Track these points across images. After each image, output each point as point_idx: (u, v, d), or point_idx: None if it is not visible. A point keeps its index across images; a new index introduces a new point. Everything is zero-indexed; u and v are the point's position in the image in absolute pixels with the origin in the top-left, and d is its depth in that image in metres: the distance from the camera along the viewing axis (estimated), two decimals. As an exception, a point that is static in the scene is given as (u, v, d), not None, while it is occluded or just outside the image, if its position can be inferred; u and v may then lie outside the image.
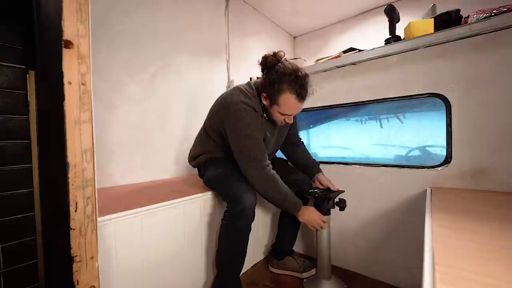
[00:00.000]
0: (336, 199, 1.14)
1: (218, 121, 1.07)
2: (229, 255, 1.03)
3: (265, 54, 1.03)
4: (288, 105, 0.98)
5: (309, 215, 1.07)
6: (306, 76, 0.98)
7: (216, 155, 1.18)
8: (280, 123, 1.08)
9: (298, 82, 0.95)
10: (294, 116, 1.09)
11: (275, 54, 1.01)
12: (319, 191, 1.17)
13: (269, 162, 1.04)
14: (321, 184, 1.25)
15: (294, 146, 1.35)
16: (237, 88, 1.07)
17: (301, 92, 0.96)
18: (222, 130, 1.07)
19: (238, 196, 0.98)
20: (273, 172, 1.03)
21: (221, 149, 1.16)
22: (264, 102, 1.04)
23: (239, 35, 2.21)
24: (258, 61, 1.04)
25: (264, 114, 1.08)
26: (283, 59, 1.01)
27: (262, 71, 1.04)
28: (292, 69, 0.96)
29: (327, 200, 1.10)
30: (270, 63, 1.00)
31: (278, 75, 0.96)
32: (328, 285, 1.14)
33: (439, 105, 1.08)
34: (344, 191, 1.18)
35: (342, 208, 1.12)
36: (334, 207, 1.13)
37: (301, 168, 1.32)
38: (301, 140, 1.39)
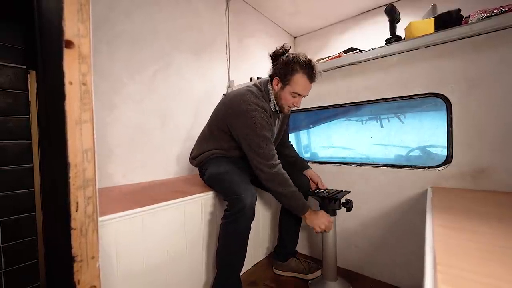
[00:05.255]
0: (343, 200, 1.13)
1: (229, 123, 1.10)
2: (229, 254, 1.03)
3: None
4: (300, 84, 1.05)
5: (317, 218, 1.06)
6: (313, 61, 1.08)
7: (221, 153, 1.20)
8: (287, 108, 1.13)
9: (309, 65, 1.04)
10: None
11: (282, 46, 1.11)
12: (324, 192, 1.16)
13: (279, 161, 1.06)
14: (311, 179, 1.30)
15: (284, 146, 1.43)
16: (246, 90, 1.11)
17: (312, 73, 1.04)
18: (233, 132, 1.10)
19: (238, 195, 0.98)
20: (284, 171, 1.05)
21: (227, 148, 1.18)
22: (275, 87, 1.11)
23: (239, 35, 2.21)
24: (269, 53, 1.13)
25: (272, 106, 1.13)
26: (289, 50, 1.11)
27: (273, 60, 1.13)
28: (302, 55, 1.05)
29: (334, 200, 1.09)
30: (280, 52, 1.10)
31: (290, 59, 1.05)
32: (334, 286, 1.13)
33: (440, 105, 1.08)
34: (350, 191, 1.17)
35: (349, 209, 1.11)
36: (340, 208, 1.11)
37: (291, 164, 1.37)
38: (290, 142, 1.48)
